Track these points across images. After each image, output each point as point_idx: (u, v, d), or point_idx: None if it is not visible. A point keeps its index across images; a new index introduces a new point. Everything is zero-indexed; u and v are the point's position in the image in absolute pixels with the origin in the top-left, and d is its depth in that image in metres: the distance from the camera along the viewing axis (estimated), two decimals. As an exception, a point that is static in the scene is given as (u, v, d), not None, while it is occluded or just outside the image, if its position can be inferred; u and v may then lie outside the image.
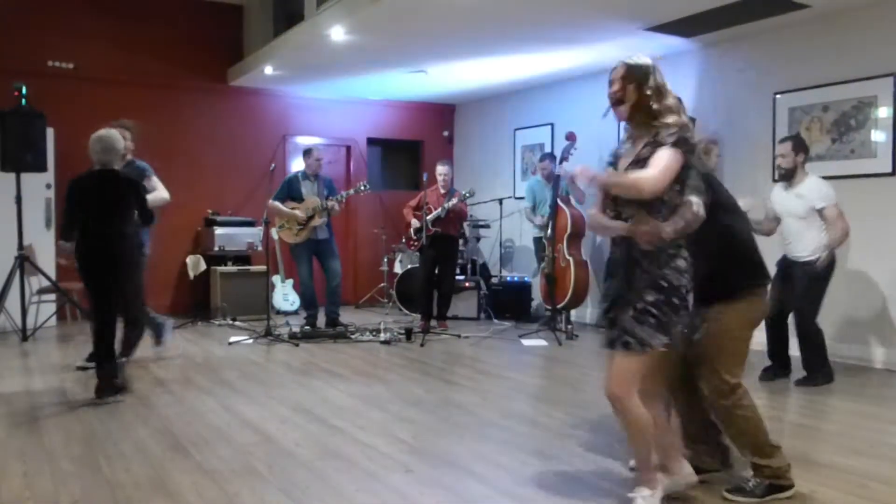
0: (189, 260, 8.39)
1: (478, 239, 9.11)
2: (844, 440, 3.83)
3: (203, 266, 8.36)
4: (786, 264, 5.03)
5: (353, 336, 6.92)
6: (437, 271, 7.35)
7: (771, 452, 2.98)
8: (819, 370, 5.00)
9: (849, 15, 5.76)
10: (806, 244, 4.91)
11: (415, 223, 7.45)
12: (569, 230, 7.23)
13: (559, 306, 7.17)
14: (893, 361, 5.56)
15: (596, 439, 3.75)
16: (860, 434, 3.93)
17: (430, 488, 3.09)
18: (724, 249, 2.97)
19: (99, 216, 4.66)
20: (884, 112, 5.64)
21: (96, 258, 4.63)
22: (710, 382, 2.98)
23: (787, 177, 4.96)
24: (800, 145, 4.98)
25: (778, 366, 5.17)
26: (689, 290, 2.69)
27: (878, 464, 3.43)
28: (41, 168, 6.79)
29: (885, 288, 5.65)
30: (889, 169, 5.59)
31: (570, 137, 6.87)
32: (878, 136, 5.68)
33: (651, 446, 2.79)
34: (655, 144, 2.68)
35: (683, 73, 7.04)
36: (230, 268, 8.30)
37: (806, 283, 4.91)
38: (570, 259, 7.23)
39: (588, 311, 8.02)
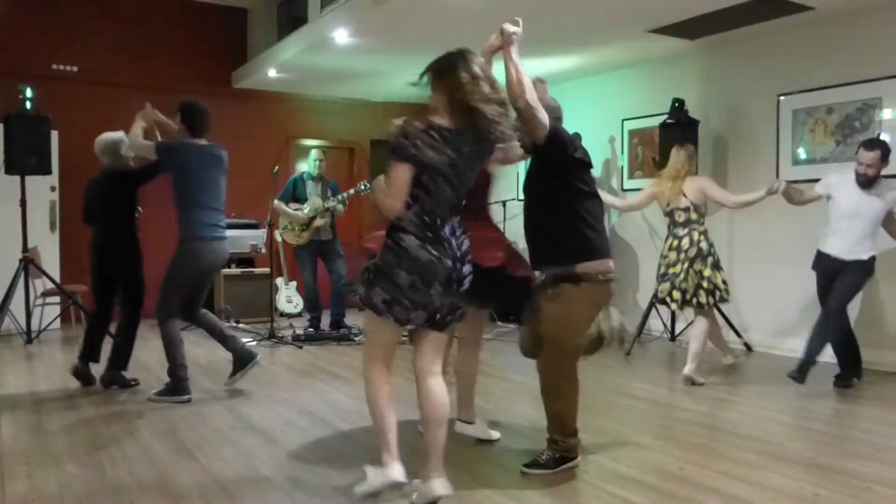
0: (193, 262, 8.39)
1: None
2: (849, 443, 3.82)
3: (207, 268, 8.36)
4: (833, 265, 4.91)
5: (356, 338, 6.92)
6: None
7: (571, 433, 3.32)
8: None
9: (853, 17, 5.75)
10: (861, 245, 4.86)
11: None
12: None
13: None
14: (898, 364, 5.55)
15: (598, 441, 3.74)
16: (865, 437, 3.92)
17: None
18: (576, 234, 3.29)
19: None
20: (888, 114, 5.63)
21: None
22: (552, 348, 3.25)
23: (870, 184, 4.81)
24: (887, 155, 4.82)
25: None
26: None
27: (882, 467, 3.42)
28: (46, 171, 6.81)
29: (889, 290, 5.64)
30: (894, 171, 5.57)
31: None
32: (883, 137, 5.66)
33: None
34: None
35: (687, 75, 7.04)
36: (234, 270, 8.30)
37: (855, 280, 4.89)
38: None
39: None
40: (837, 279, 4.90)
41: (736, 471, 3.35)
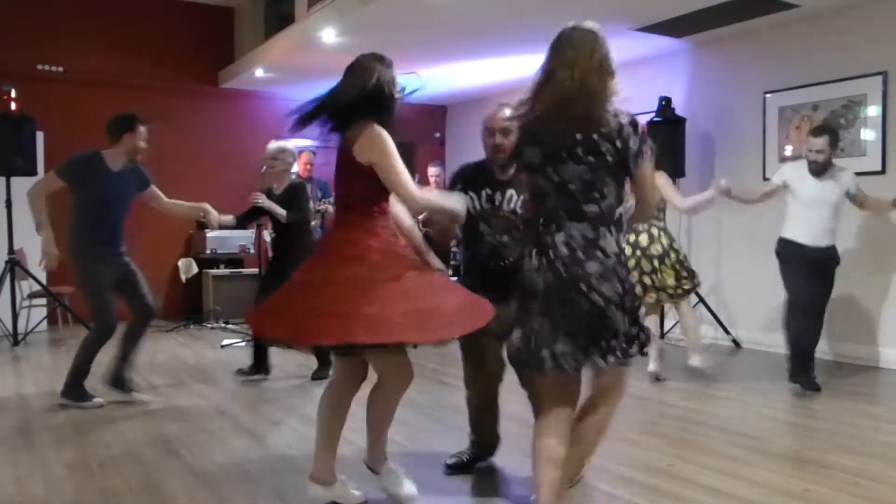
0: (181, 263, 8.36)
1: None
2: (837, 438, 3.84)
3: (195, 269, 8.34)
4: (805, 252, 4.88)
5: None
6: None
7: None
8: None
9: (838, 14, 5.79)
10: (827, 232, 4.88)
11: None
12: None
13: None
14: (886, 359, 5.59)
15: (590, 439, 3.75)
16: (853, 432, 3.94)
17: (424, 490, 3.08)
18: None
19: None
20: (873, 111, 5.67)
21: None
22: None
23: (821, 171, 4.83)
24: (836, 140, 4.88)
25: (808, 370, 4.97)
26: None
27: (870, 462, 3.45)
28: (31, 172, 6.76)
29: (876, 285, 5.68)
30: (879, 167, 5.62)
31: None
32: (868, 134, 5.71)
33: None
34: None
35: (674, 73, 7.07)
36: (222, 270, 8.28)
37: (833, 276, 4.93)
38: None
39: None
40: (816, 274, 4.89)
41: (725, 466, 3.36)
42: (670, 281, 5.10)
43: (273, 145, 5.35)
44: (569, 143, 2.36)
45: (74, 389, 4.53)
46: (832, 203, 4.85)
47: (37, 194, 4.66)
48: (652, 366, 5.20)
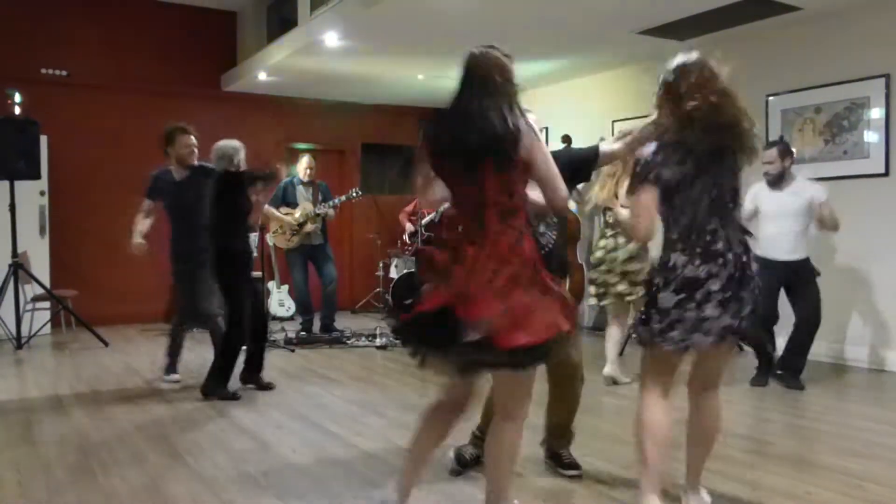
0: (184, 266, 8.37)
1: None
2: (840, 441, 3.84)
3: (198, 272, 8.34)
4: (783, 268, 4.88)
5: (349, 341, 6.92)
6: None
7: None
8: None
9: (840, 16, 5.78)
10: (798, 244, 4.93)
11: (410, 228, 7.46)
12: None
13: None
14: (888, 361, 5.57)
15: (591, 442, 3.74)
16: (856, 435, 3.94)
17: (427, 493, 3.08)
18: None
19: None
20: (876, 113, 5.66)
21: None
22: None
23: (776, 182, 4.96)
24: (786, 151, 5.00)
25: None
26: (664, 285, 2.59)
27: (873, 465, 3.44)
28: (35, 176, 6.78)
29: (880, 289, 5.67)
30: (882, 169, 5.61)
31: (566, 140, 6.87)
32: (871, 136, 5.70)
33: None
34: None
35: (676, 76, 7.06)
36: (225, 274, 8.27)
37: (812, 282, 4.95)
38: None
39: (585, 314, 8.02)
40: (798, 287, 4.93)
41: (727, 469, 3.35)
42: (621, 287, 5.07)
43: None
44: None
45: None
46: (795, 214, 4.90)
47: (139, 218, 5.26)
48: (608, 369, 5.16)
